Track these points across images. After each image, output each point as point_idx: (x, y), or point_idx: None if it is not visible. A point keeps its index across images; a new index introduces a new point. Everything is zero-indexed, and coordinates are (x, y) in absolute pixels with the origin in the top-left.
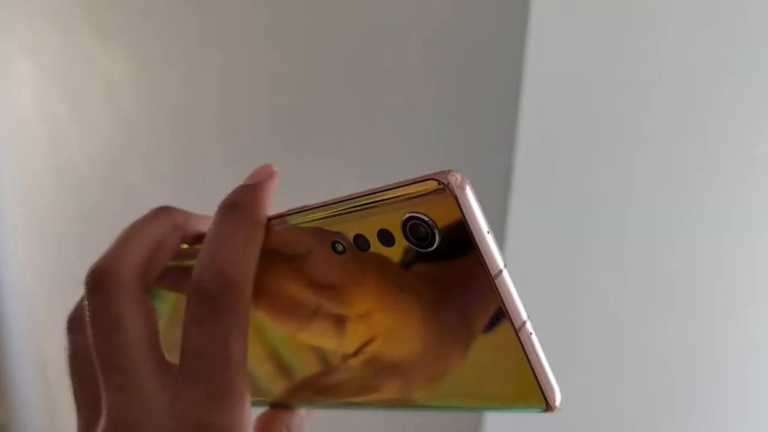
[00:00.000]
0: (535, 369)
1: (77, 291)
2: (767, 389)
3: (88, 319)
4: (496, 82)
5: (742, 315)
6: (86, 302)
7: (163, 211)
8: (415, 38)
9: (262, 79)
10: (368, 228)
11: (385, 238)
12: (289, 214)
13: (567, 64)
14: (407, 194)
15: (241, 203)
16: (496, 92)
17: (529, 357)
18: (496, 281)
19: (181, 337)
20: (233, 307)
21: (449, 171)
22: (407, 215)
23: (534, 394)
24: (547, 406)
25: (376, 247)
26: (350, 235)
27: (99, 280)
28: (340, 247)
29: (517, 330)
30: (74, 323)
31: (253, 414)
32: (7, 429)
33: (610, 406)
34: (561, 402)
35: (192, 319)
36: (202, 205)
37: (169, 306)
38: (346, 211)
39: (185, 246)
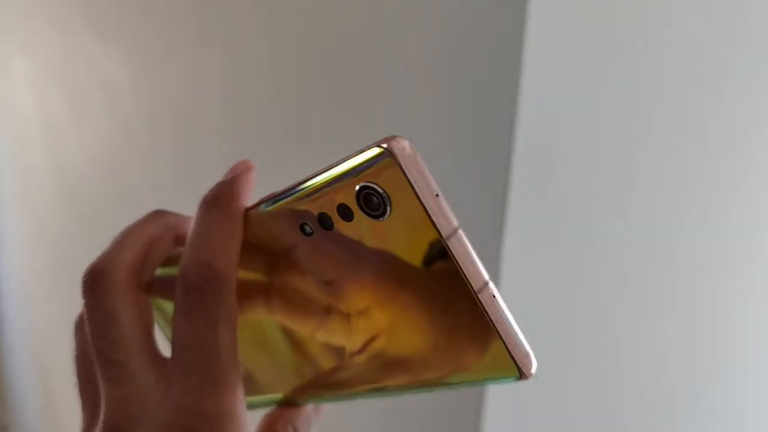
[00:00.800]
0: (501, 333)
1: (77, 291)
2: (767, 389)
3: (86, 316)
4: (495, 82)
5: (743, 315)
6: (83, 300)
7: (157, 214)
8: (415, 38)
9: (262, 79)
10: (328, 205)
11: (345, 212)
12: (262, 202)
13: (566, 63)
14: (357, 165)
15: (219, 198)
16: (495, 92)
17: (494, 320)
18: (448, 242)
19: (172, 329)
20: (219, 296)
21: (394, 137)
22: (359, 186)
23: (505, 361)
24: (521, 374)
25: (338, 223)
26: (315, 215)
27: (95, 278)
28: (308, 229)
29: (476, 292)
30: (80, 325)
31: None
32: (6, 430)
33: (610, 406)
34: (536, 369)
35: (180, 311)
36: None
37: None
38: (307, 190)
39: (179, 249)
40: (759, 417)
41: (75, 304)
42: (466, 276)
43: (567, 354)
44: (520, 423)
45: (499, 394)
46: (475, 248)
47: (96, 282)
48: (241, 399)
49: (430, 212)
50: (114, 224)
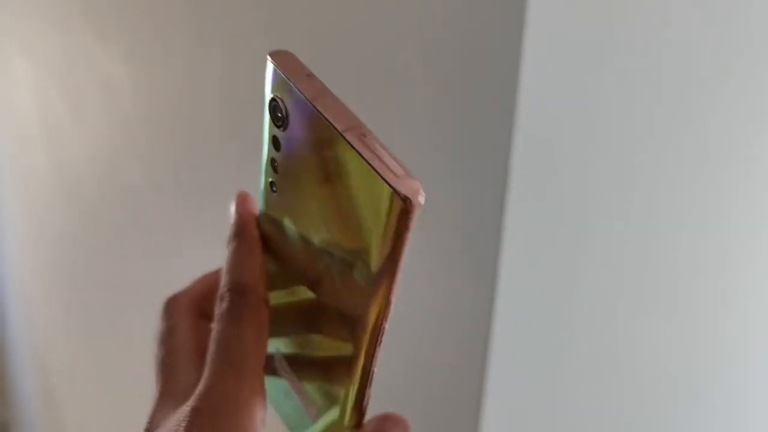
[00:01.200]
0: (371, 162)
1: (77, 291)
2: (767, 389)
3: (156, 331)
4: (494, 82)
5: (743, 315)
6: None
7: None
8: (415, 38)
9: (262, 79)
10: (267, 149)
11: (275, 143)
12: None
13: (566, 63)
14: (266, 87)
15: (236, 233)
16: (495, 92)
17: (362, 154)
18: (315, 104)
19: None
20: (244, 303)
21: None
22: (268, 105)
23: (390, 197)
24: (405, 201)
25: (279, 159)
26: (270, 168)
27: (166, 306)
28: (274, 187)
29: (342, 132)
30: None
31: None
32: (8, 429)
33: (610, 406)
34: (424, 197)
35: (215, 320)
36: (202, 206)
37: None
38: (263, 153)
39: None
40: (759, 417)
41: (75, 304)
42: (329, 121)
43: (567, 354)
44: (520, 423)
45: (499, 394)
46: (474, 248)
47: (166, 306)
48: (255, 389)
49: (296, 84)
50: (114, 224)
